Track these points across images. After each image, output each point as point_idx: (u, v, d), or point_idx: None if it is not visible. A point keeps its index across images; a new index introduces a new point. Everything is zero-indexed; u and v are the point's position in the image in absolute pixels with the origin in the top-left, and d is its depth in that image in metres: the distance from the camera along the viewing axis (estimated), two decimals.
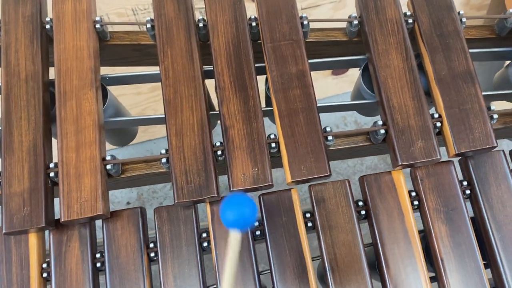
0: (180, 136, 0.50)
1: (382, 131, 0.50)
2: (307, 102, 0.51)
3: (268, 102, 0.64)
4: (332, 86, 1.31)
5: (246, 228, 0.41)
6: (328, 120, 1.37)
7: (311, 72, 0.52)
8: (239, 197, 0.41)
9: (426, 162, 0.49)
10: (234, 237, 0.41)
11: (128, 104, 1.14)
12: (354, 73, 1.23)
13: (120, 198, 1.30)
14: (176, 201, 0.48)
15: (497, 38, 0.57)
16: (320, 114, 0.51)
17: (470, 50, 0.56)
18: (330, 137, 0.50)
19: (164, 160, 0.50)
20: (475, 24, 0.57)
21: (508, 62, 0.60)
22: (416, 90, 0.50)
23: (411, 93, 0.50)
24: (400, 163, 0.49)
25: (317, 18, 0.54)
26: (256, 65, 0.54)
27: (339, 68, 0.58)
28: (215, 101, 0.61)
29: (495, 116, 0.50)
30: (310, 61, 0.56)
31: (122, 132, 0.65)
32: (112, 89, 1.05)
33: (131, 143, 1.25)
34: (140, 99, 1.15)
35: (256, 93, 0.51)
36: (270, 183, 0.48)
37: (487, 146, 0.48)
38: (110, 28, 0.57)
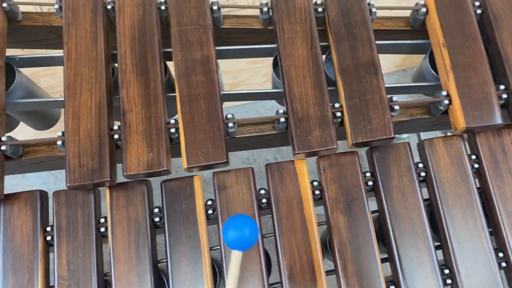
0: (76, 118, 0.49)
1: (283, 119, 0.50)
2: (209, 88, 0.50)
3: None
4: None
5: (247, 248, 0.42)
6: None
7: None
8: (240, 218, 0.42)
9: (322, 151, 0.49)
10: (236, 256, 0.41)
11: None
12: None
13: None
14: (67, 184, 0.47)
15: (413, 30, 0.57)
16: None
17: (384, 42, 0.56)
18: (230, 124, 0.49)
19: (60, 142, 0.49)
20: (391, 16, 0.57)
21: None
22: (318, 79, 0.50)
23: (313, 83, 0.50)
24: (296, 152, 0.49)
25: (229, 4, 0.53)
26: (168, 50, 0.53)
27: (252, 57, 0.57)
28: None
29: (396, 107, 0.50)
30: (219, 48, 0.55)
31: (40, 115, 0.64)
32: None
33: None
34: None
35: (159, 77, 0.50)
36: (165, 169, 0.48)
37: (384, 137, 0.48)
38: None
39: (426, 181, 0.52)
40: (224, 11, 0.57)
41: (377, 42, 0.56)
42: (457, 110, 0.49)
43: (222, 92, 0.53)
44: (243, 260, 0.44)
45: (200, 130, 0.49)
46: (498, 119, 0.49)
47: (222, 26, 0.56)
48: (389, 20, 0.56)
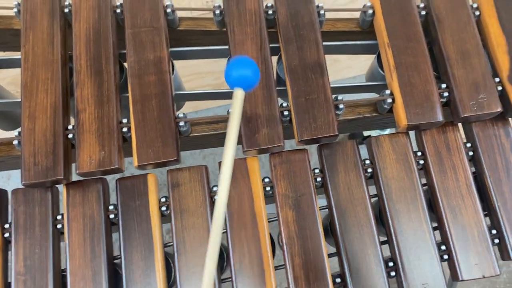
0: (32, 118, 0.50)
1: None
2: (161, 88, 0.52)
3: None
4: None
5: (249, 87, 0.44)
6: None
7: None
8: (242, 59, 0.44)
9: (269, 149, 0.51)
10: (238, 95, 0.43)
11: None
12: None
13: None
14: (22, 182, 0.49)
15: (363, 31, 0.59)
16: None
17: (336, 43, 0.58)
18: (182, 123, 0.51)
19: (16, 142, 0.50)
20: (342, 17, 0.59)
21: None
22: (267, 80, 0.52)
23: (262, 83, 0.52)
24: (244, 149, 0.50)
25: (182, 7, 0.55)
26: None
27: (208, 58, 0.59)
28: None
29: (341, 106, 0.51)
30: (176, 49, 0.57)
31: (5, 115, 0.66)
32: None
33: None
34: None
35: (112, 78, 0.52)
36: (116, 166, 0.49)
37: (328, 135, 0.50)
38: None
39: (373, 177, 0.54)
40: (181, 14, 0.58)
41: (330, 43, 0.58)
42: (400, 108, 0.51)
43: (176, 92, 0.55)
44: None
45: (151, 128, 0.50)
46: (439, 117, 0.50)
47: (179, 28, 0.58)
48: (340, 21, 0.58)
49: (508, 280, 1.25)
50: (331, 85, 0.52)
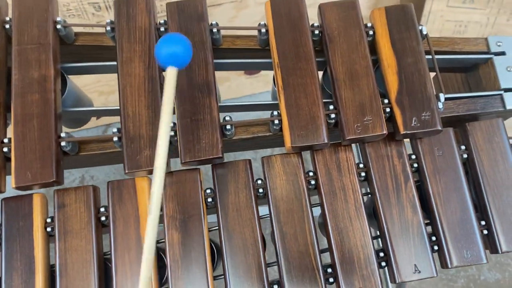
0: None
1: (116, 138, 0.50)
2: (44, 107, 0.50)
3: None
4: (247, 86, 1.30)
5: (180, 64, 0.44)
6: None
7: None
8: (172, 36, 0.43)
9: (150, 171, 0.50)
10: (171, 73, 0.43)
11: None
12: (268, 73, 1.23)
13: None
14: None
15: (263, 49, 0.58)
16: None
17: (235, 61, 0.58)
18: (63, 143, 0.50)
19: None
20: (241, 34, 0.58)
21: None
22: (152, 99, 0.51)
23: (147, 102, 0.51)
24: (126, 171, 0.49)
25: (75, 23, 0.53)
26: None
27: (101, 73, 0.58)
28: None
29: (229, 127, 0.51)
30: (71, 65, 0.56)
31: None
32: None
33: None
34: None
35: None
36: None
37: (211, 157, 0.49)
38: None
39: (266, 197, 0.54)
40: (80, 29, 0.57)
41: (226, 60, 0.57)
42: (286, 130, 0.50)
43: (65, 109, 0.54)
44: None
45: (30, 149, 0.49)
46: (324, 139, 0.50)
47: (76, 44, 0.57)
48: (239, 39, 0.57)
49: (465, 285, 1.26)
50: (221, 104, 0.52)
